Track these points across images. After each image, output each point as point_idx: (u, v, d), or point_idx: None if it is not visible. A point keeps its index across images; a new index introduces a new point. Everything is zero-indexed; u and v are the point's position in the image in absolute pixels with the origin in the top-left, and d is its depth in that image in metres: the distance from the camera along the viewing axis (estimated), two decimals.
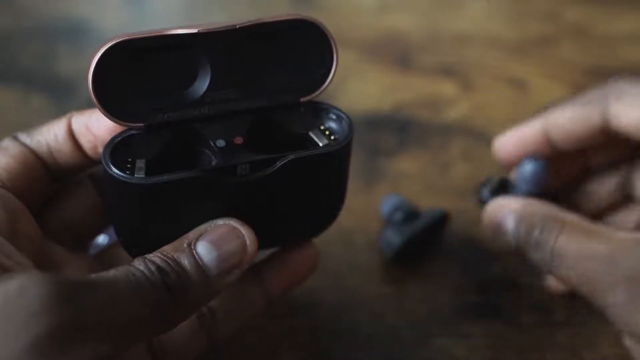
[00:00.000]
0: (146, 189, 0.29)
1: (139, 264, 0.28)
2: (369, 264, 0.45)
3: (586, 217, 0.36)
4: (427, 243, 0.45)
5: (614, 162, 0.42)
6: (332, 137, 0.34)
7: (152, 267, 0.28)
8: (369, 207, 0.47)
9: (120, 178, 0.29)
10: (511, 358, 0.40)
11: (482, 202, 0.41)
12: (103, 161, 0.30)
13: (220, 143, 0.32)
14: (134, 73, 0.31)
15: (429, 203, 0.47)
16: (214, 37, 0.31)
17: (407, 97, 0.57)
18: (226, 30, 0.31)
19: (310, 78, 0.33)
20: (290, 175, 0.32)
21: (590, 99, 0.39)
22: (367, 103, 0.57)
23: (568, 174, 0.43)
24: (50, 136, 0.33)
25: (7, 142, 0.33)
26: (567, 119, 0.40)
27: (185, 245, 0.30)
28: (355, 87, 0.57)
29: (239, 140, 0.32)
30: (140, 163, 0.31)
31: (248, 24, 0.31)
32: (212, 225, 0.31)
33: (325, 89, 0.34)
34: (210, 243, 0.30)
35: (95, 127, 0.33)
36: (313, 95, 0.33)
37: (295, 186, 0.32)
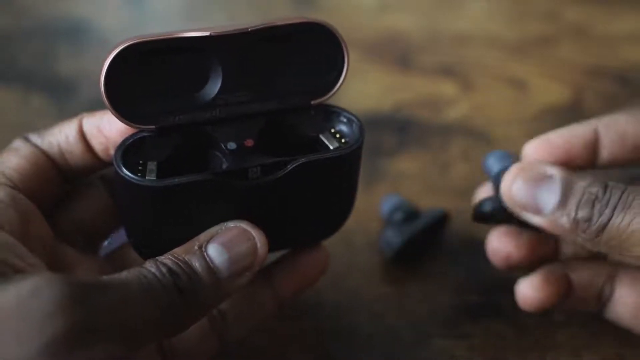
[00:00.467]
0: (158, 192, 0.29)
1: (150, 266, 0.29)
2: (369, 264, 0.45)
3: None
4: (427, 243, 0.45)
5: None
6: (343, 140, 0.34)
7: (164, 269, 0.28)
8: (369, 207, 0.47)
9: (132, 180, 0.29)
10: (511, 358, 0.40)
11: (482, 216, 0.39)
12: (115, 163, 0.30)
13: (231, 145, 0.32)
14: (146, 75, 0.31)
15: (429, 203, 0.47)
16: (226, 40, 0.31)
17: (407, 97, 0.57)
18: (238, 33, 0.31)
19: (321, 81, 0.33)
20: (301, 178, 0.32)
21: None
22: (367, 103, 0.57)
23: None
24: (61, 137, 0.33)
25: (19, 143, 0.33)
26: (623, 121, 0.37)
27: (196, 247, 0.30)
28: (356, 87, 0.57)
29: (249, 142, 0.32)
30: (152, 165, 0.31)
31: (260, 27, 0.31)
32: (223, 227, 0.31)
33: (336, 91, 0.34)
34: (221, 245, 0.30)
35: (106, 128, 0.33)
36: (324, 98, 0.34)
37: (306, 189, 0.33)
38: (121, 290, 0.27)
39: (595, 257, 0.40)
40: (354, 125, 0.33)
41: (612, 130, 0.37)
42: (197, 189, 0.30)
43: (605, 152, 0.37)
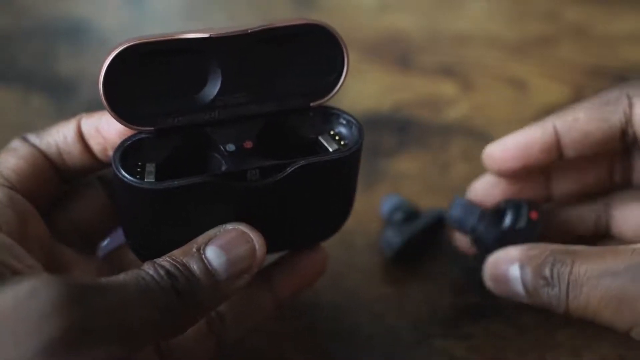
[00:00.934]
0: (156, 194, 0.29)
1: (148, 268, 0.28)
2: (369, 265, 0.45)
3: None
4: (427, 243, 0.45)
5: (591, 194, 0.40)
6: (342, 142, 0.34)
7: (162, 272, 0.28)
8: (369, 207, 0.47)
9: (131, 182, 0.29)
10: (511, 358, 0.40)
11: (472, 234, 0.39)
12: (113, 165, 0.30)
13: (230, 147, 0.32)
14: (145, 77, 0.31)
15: (429, 203, 0.47)
16: (225, 42, 0.31)
17: (407, 97, 0.57)
18: (237, 35, 0.31)
19: (320, 83, 0.33)
20: (300, 180, 0.32)
21: (608, 99, 0.37)
22: (367, 103, 0.57)
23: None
24: (59, 138, 0.33)
25: (17, 143, 0.33)
26: (584, 120, 0.37)
27: (194, 249, 0.30)
28: (355, 87, 0.57)
29: (248, 144, 0.32)
30: (150, 167, 0.31)
31: (259, 28, 0.31)
32: (222, 229, 0.31)
33: (335, 93, 0.34)
34: (220, 248, 0.30)
35: (105, 129, 0.33)
36: (323, 99, 0.34)
37: (305, 191, 0.33)
38: (119, 292, 0.27)
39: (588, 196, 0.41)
40: (353, 127, 0.33)
41: (573, 130, 0.37)
42: (195, 191, 0.30)
43: (569, 151, 0.38)
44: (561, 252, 0.34)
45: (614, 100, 0.37)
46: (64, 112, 0.54)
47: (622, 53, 0.61)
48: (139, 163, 0.31)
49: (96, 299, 0.26)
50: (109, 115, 0.30)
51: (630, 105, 0.36)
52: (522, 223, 0.38)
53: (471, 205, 0.40)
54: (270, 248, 0.31)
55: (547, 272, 0.34)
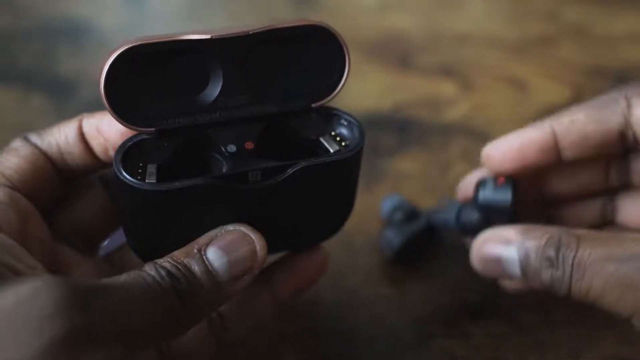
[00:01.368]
0: (158, 195, 0.29)
1: (149, 269, 0.28)
2: (369, 265, 0.45)
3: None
4: (427, 243, 0.45)
5: (596, 188, 0.40)
6: (343, 143, 0.34)
7: (163, 273, 0.28)
8: (369, 207, 0.47)
9: (132, 184, 0.29)
10: (511, 358, 0.40)
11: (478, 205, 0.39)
12: (114, 166, 0.30)
13: (232, 148, 0.32)
14: (146, 78, 0.31)
15: (429, 203, 0.47)
16: (227, 43, 0.31)
17: (407, 97, 0.57)
18: (239, 36, 0.31)
19: (321, 83, 0.33)
20: (301, 182, 0.32)
21: (606, 101, 0.37)
22: (367, 103, 0.57)
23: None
24: (60, 137, 0.33)
25: (18, 143, 0.33)
26: (582, 122, 0.37)
27: (195, 250, 0.30)
28: (355, 87, 0.57)
29: (250, 145, 0.32)
30: (152, 168, 0.31)
31: (260, 29, 0.31)
32: (223, 231, 0.31)
33: (337, 94, 0.34)
34: (221, 249, 0.30)
35: (106, 129, 0.33)
36: (325, 100, 0.34)
37: (306, 192, 0.32)
38: (120, 293, 0.27)
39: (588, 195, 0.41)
40: (354, 128, 0.33)
41: (571, 132, 0.37)
42: (197, 192, 0.30)
43: (567, 153, 0.38)
44: (565, 234, 0.34)
45: (612, 102, 0.37)
46: (64, 112, 0.54)
47: (622, 53, 0.62)
48: (140, 164, 0.31)
49: (97, 300, 0.26)
50: (110, 116, 0.31)
51: (629, 107, 0.36)
52: (490, 191, 0.38)
53: (452, 203, 0.41)
54: (271, 249, 0.31)
55: (552, 253, 0.33)
